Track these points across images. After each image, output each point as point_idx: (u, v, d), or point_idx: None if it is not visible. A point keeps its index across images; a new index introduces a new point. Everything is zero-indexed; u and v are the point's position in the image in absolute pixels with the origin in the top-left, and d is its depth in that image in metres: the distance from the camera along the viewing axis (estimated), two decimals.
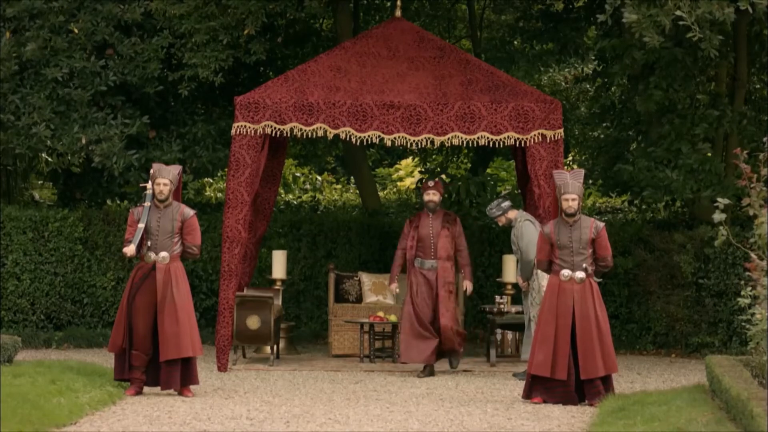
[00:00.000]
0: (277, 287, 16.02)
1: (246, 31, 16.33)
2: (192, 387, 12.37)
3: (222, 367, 14.36)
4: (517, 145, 14.51)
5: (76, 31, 16.68)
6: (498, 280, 16.97)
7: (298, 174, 24.30)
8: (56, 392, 11.15)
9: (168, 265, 12.24)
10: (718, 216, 11.38)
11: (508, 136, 14.41)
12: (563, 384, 12.04)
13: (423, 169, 22.48)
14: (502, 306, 15.74)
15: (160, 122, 17.66)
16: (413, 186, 22.74)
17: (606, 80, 18.71)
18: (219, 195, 22.31)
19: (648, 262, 17.06)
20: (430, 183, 14.64)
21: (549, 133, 14.36)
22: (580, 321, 12.05)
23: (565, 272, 12.14)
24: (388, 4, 21.13)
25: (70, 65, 16.51)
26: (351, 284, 16.53)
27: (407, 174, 24.86)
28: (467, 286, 14.73)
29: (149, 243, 12.26)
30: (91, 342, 16.78)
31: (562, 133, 14.46)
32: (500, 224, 14.45)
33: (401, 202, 22.24)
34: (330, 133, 14.51)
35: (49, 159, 17.90)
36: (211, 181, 22.77)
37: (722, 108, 16.62)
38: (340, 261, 17.93)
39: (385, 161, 26.28)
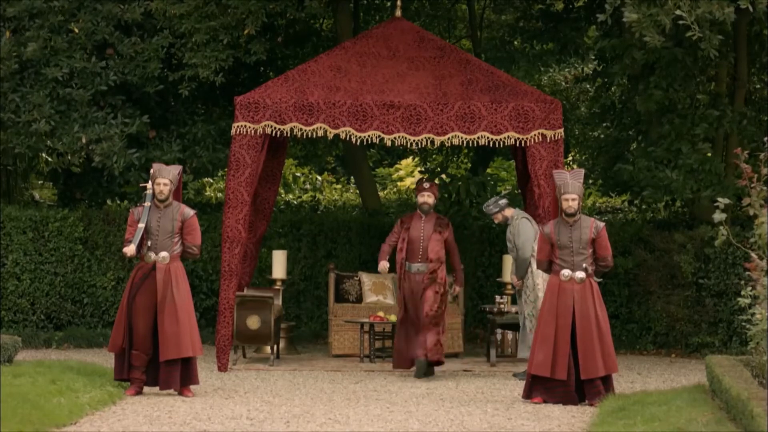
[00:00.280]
0: (277, 287, 16.02)
1: (246, 31, 16.33)
2: (192, 387, 12.36)
3: (222, 367, 14.36)
4: (517, 145, 14.50)
5: (76, 30, 16.69)
6: (498, 280, 16.97)
7: (298, 174, 24.31)
8: (56, 392, 11.15)
9: (168, 265, 12.24)
10: (718, 216, 11.38)
11: (508, 136, 14.40)
12: (563, 384, 12.04)
13: (423, 169, 22.48)
14: (502, 306, 15.74)
15: (161, 122, 17.66)
16: (413, 186, 22.73)
17: (606, 80, 18.71)
18: (219, 195, 22.30)
19: (648, 262, 17.06)
20: (426, 185, 14.31)
21: (549, 133, 14.36)
22: (580, 321, 12.05)
23: (565, 272, 12.14)
24: (388, 4, 21.13)
25: (70, 65, 16.51)
26: (351, 284, 16.53)
27: (407, 174, 24.86)
28: (456, 290, 14.55)
29: (149, 243, 12.26)
30: (91, 342, 16.78)
31: (562, 133, 14.46)
32: (496, 221, 14.43)
33: (401, 202, 22.24)
34: (330, 133, 14.50)
35: (49, 159, 17.90)
36: (211, 181, 22.77)
37: (722, 108, 16.62)
38: (341, 261, 17.93)
39: (385, 161, 26.28)
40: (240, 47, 16.59)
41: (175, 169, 12.54)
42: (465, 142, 14.49)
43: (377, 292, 16.31)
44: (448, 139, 14.46)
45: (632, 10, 13.02)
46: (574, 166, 20.82)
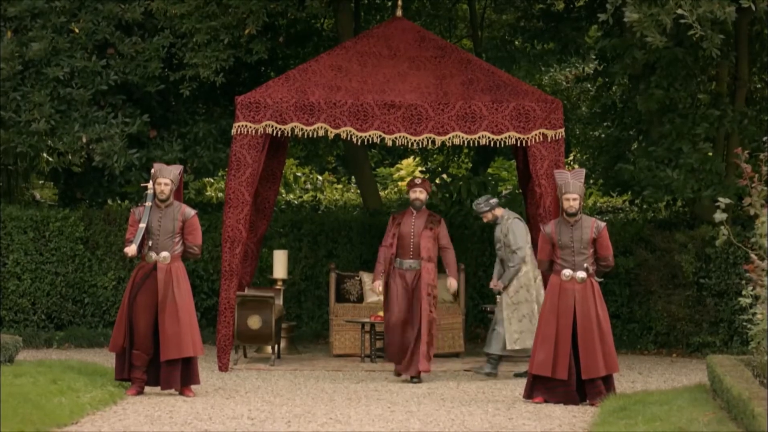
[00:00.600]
0: (278, 287, 16.02)
1: (247, 31, 16.33)
2: (193, 387, 12.37)
3: (223, 367, 14.35)
4: (518, 144, 14.50)
5: (76, 30, 16.68)
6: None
7: (299, 174, 24.30)
8: (57, 392, 11.15)
9: (169, 264, 12.24)
10: (719, 216, 11.38)
11: (509, 136, 14.40)
12: (564, 384, 12.04)
13: (424, 169, 22.47)
14: None
15: (161, 122, 17.66)
16: None
17: (607, 80, 18.70)
18: (220, 195, 22.30)
19: (649, 262, 17.05)
20: (417, 180, 14.10)
21: (550, 133, 14.36)
22: (581, 321, 12.05)
23: (567, 272, 12.14)
24: (389, 3, 21.13)
25: (71, 64, 16.51)
26: (352, 284, 16.53)
27: (408, 174, 24.85)
28: (451, 283, 14.00)
29: (150, 243, 12.26)
30: (92, 342, 16.78)
31: (563, 133, 14.45)
32: (485, 220, 14.39)
33: (402, 201, 22.23)
34: (331, 132, 14.50)
35: (50, 158, 17.89)
36: (212, 180, 22.76)
37: (723, 107, 16.62)
38: (341, 261, 17.92)
39: (386, 161, 26.27)
40: (241, 47, 16.59)
41: (176, 169, 12.54)
42: (466, 142, 14.48)
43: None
44: (449, 138, 14.45)
45: (633, 9, 13.01)
46: (575, 166, 20.81)
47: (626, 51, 16.11)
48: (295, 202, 22.37)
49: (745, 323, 12.23)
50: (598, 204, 21.91)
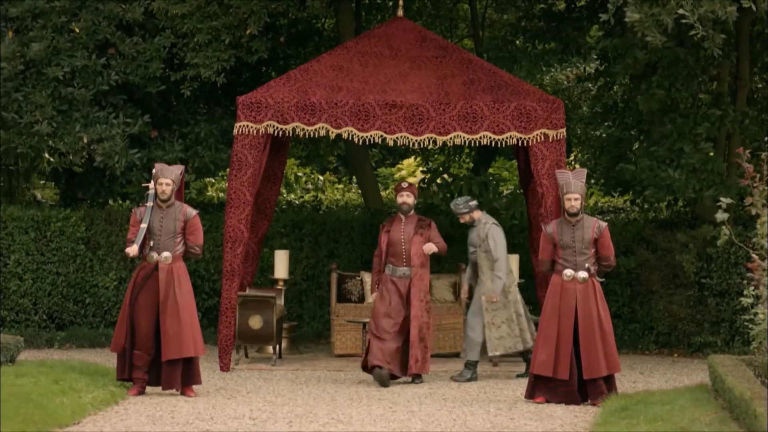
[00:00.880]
0: (279, 287, 16.01)
1: (248, 31, 16.33)
2: (195, 387, 12.37)
3: (224, 367, 14.36)
4: (520, 144, 14.50)
5: (77, 30, 16.68)
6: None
7: (300, 174, 24.30)
8: (59, 392, 11.15)
9: (170, 265, 12.24)
10: (720, 215, 11.39)
11: (511, 136, 14.40)
12: (566, 384, 12.04)
13: (425, 169, 22.48)
14: None
15: (162, 122, 17.66)
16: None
17: (608, 79, 18.69)
18: (221, 195, 22.30)
19: (650, 262, 17.05)
20: (404, 184, 13.87)
21: (551, 133, 14.36)
22: (582, 321, 12.05)
23: (568, 272, 12.14)
24: (390, 3, 21.13)
25: (71, 64, 16.51)
26: (353, 284, 16.53)
27: (409, 174, 24.86)
28: (429, 247, 13.49)
29: (152, 243, 12.26)
30: (94, 342, 16.78)
31: (565, 133, 14.46)
32: (462, 221, 14.21)
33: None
34: (332, 132, 14.50)
35: (51, 159, 17.89)
36: (213, 180, 22.76)
37: (724, 107, 16.61)
38: (342, 261, 17.92)
39: (387, 161, 26.27)
40: (242, 47, 16.59)
41: (177, 169, 12.54)
42: (467, 142, 14.48)
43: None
44: (450, 138, 14.45)
45: (634, 9, 13.02)
46: (576, 166, 20.81)
47: (627, 51, 16.10)
48: (296, 202, 22.36)
49: (746, 323, 12.23)
50: (599, 204, 21.91)
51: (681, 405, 10.58)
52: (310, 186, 24.42)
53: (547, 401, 12.12)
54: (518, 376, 14.18)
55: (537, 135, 14.33)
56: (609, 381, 12.18)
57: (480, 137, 14.41)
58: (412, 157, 24.58)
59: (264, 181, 15.25)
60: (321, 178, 24.77)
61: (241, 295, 14.78)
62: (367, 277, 16.46)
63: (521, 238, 17.67)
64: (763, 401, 9.12)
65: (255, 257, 15.50)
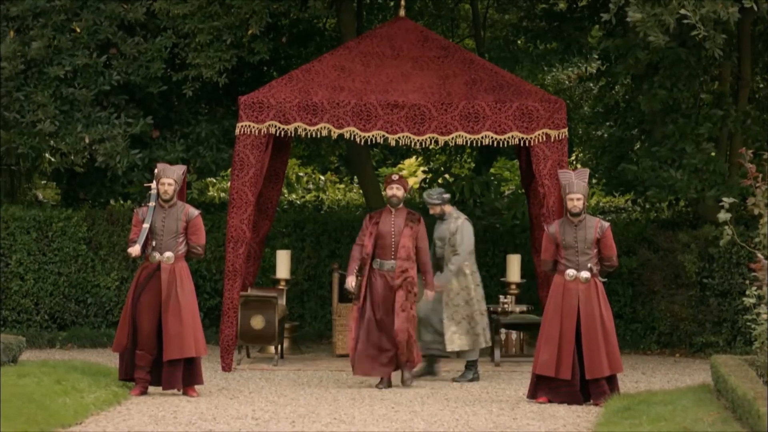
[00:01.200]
0: (281, 287, 16.01)
1: (250, 31, 16.32)
2: (197, 387, 12.36)
3: (226, 367, 14.36)
4: (521, 144, 14.50)
5: (78, 30, 16.68)
6: (502, 279, 16.94)
7: (301, 174, 24.29)
8: (61, 392, 11.16)
9: (173, 265, 12.24)
10: (722, 215, 11.39)
11: (512, 136, 14.40)
12: (568, 384, 12.04)
13: (426, 169, 22.47)
14: (506, 306, 15.71)
15: (164, 122, 17.65)
16: (417, 186, 22.72)
17: (610, 80, 18.69)
18: (222, 195, 22.30)
19: (652, 262, 17.05)
20: (394, 177, 13.70)
21: (553, 133, 14.36)
22: (585, 321, 12.05)
23: (570, 272, 12.14)
24: (392, 3, 21.11)
25: (72, 63, 16.51)
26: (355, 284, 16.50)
27: (411, 173, 24.84)
28: (428, 295, 13.49)
29: (154, 243, 12.26)
30: (95, 342, 16.77)
31: (566, 133, 14.46)
32: (432, 212, 14.04)
33: (404, 201, 22.19)
34: (334, 132, 14.50)
35: (53, 159, 17.90)
36: (215, 180, 22.76)
37: (726, 107, 16.61)
38: (344, 261, 17.82)
39: (388, 161, 26.26)
40: (243, 47, 16.58)
41: (179, 169, 12.55)
42: (469, 142, 14.48)
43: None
44: (452, 138, 14.45)
45: (636, 9, 13.02)
46: (578, 166, 20.80)
47: (629, 51, 16.10)
48: (298, 202, 22.36)
49: (748, 323, 12.22)
50: (601, 204, 21.90)
51: (684, 405, 10.58)
52: (311, 186, 24.41)
53: (550, 401, 12.12)
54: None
55: (539, 135, 14.33)
56: (611, 381, 12.18)
57: (482, 137, 14.42)
58: (414, 157, 24.57)
59: (265, 181, 15.24)
60: (322, 178, 24.76)
61: (243, 295, 14.78)
62: None
63: (523, 239, 17.68)
64: (766, 401, 9.12)
65: (257, 257, 15.50)
